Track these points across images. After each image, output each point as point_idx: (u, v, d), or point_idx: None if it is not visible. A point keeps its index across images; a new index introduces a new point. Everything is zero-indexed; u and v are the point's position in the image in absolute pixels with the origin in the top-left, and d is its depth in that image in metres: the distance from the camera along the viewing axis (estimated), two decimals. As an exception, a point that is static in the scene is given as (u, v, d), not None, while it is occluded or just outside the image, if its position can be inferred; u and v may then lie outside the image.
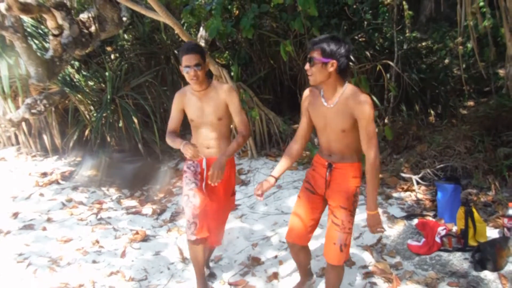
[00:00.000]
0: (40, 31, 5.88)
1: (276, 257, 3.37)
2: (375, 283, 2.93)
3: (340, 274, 2.48)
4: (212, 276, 3.16)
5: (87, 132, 5.74)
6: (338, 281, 2.50)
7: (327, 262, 2.43)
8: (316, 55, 2.17)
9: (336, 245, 2.34)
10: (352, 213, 2.38)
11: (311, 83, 2.26)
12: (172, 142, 2.72)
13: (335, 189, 2.39)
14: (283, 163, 2.53)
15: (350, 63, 5.33)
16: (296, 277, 2.96)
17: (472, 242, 3.10)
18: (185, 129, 5.02)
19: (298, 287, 2.83)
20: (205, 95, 2.70)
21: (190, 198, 2.68)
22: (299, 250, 2.62)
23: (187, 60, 2.57)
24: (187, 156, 2.62)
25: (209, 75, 2.88)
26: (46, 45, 5.60)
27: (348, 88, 2.24)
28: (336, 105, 2.25)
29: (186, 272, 3.27)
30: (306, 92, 2.48)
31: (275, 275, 3.12)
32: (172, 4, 6.04)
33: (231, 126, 3.11)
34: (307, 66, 2.22)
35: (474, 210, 3.18)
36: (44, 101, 5.14)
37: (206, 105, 2.71)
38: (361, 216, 3.32)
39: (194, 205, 2.65)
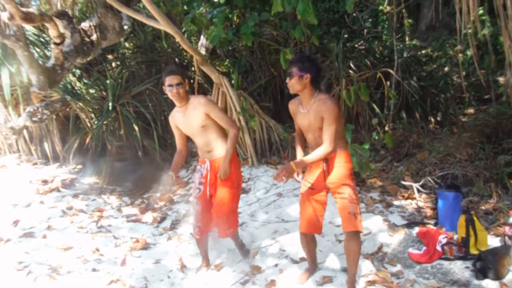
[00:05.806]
0: (42, 39, 5.92)
1: (276, 265, 3.36)
2: (376, 292, 2.91)
3: (359, 242, 2.75)
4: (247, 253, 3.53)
5: (88, 139, 5.75)
6: (358, 249, 2.75)
7: (347, 232, 2.71)
8: (294, 70, 2.64)
9: (351, 213, 2.68)
10: (354, 187, 2.73)
11: (290, 92, 2.72)
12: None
13: (333, 175, 2.74)
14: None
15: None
16: (295, 286, 2.98)
17: (473, 251, 3.08)
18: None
19: (307, 273, 3.07)
20: (186, 109, 3.08)
21: (195, 205, 3.25)
22: (311, 239, 2.98)
23: (170, 80, 2.96)
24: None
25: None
26: (48, 53, 5.64)
27: (319, 95, 2.70)
28: (311, 109, 2.70)
29: (185, 280, 3.26)
30: None
31: (273, 283, 3.11)
32: (173, 12, 6.09)
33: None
34: (287, 80, 2.69)
35: (475, 218, 3.17)
36: (45, 109, 5.18)
37: (188, 118, 3.09)
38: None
39: (197, 211, 3.22)
